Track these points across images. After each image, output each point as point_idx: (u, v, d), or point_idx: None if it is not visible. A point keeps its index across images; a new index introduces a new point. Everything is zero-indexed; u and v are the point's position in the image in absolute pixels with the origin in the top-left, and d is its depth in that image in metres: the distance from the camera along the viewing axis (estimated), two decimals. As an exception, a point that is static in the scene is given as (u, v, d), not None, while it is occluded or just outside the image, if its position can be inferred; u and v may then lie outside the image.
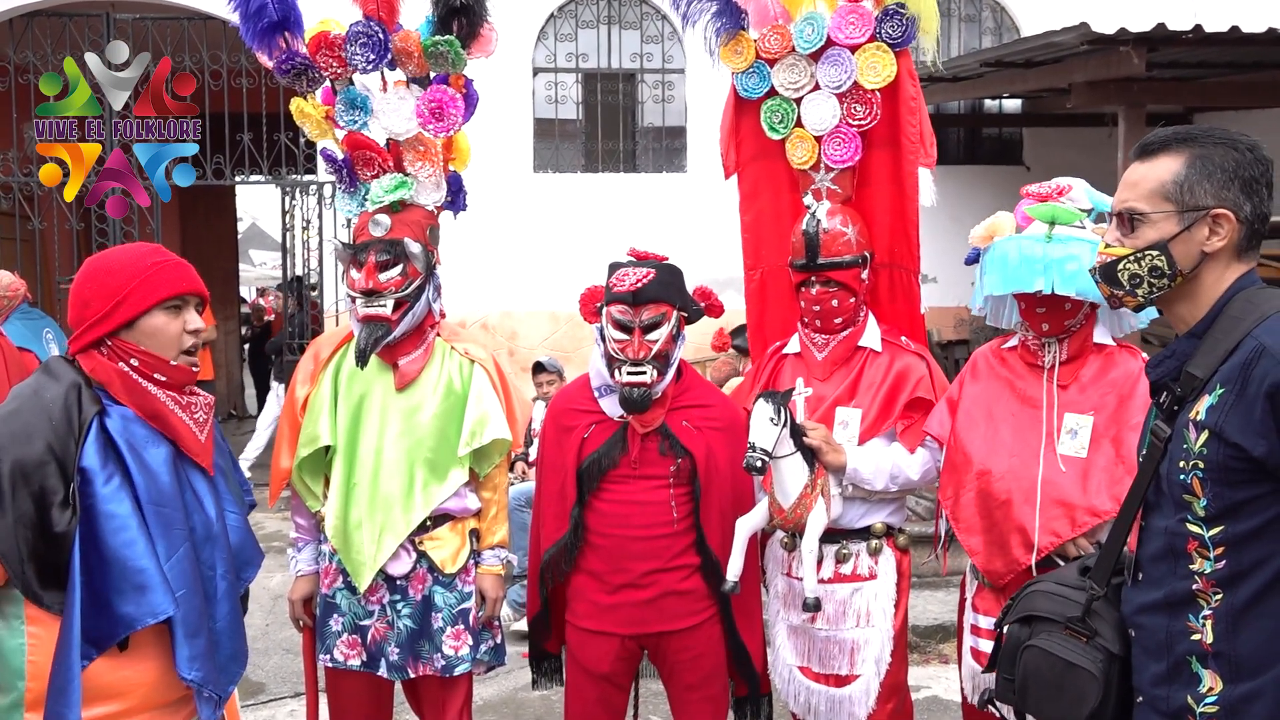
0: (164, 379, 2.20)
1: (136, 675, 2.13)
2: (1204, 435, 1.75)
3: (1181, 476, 1.78)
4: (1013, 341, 2.96)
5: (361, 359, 3.01)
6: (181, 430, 2.22)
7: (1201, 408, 1.77)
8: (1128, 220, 1.87)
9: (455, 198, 3.32)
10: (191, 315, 2.25)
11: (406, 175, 3.15)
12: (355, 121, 3.15)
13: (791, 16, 3.20)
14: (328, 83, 3.20)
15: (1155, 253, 1.83)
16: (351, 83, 3.17)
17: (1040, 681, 2.00)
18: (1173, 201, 1.82)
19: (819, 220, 3.09)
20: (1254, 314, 1.76)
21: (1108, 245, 1.90)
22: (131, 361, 2.17)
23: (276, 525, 7.64)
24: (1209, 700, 1.76)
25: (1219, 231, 1.80)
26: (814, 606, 2.89)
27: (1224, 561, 1.75)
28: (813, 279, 3.09)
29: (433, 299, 3.14)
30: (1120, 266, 1.87)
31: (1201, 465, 1.75)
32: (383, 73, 3.18)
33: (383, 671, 3.07)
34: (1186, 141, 1.84)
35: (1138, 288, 1.86)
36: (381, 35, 3.09)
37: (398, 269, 3.02)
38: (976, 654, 2.87)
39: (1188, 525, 1.78)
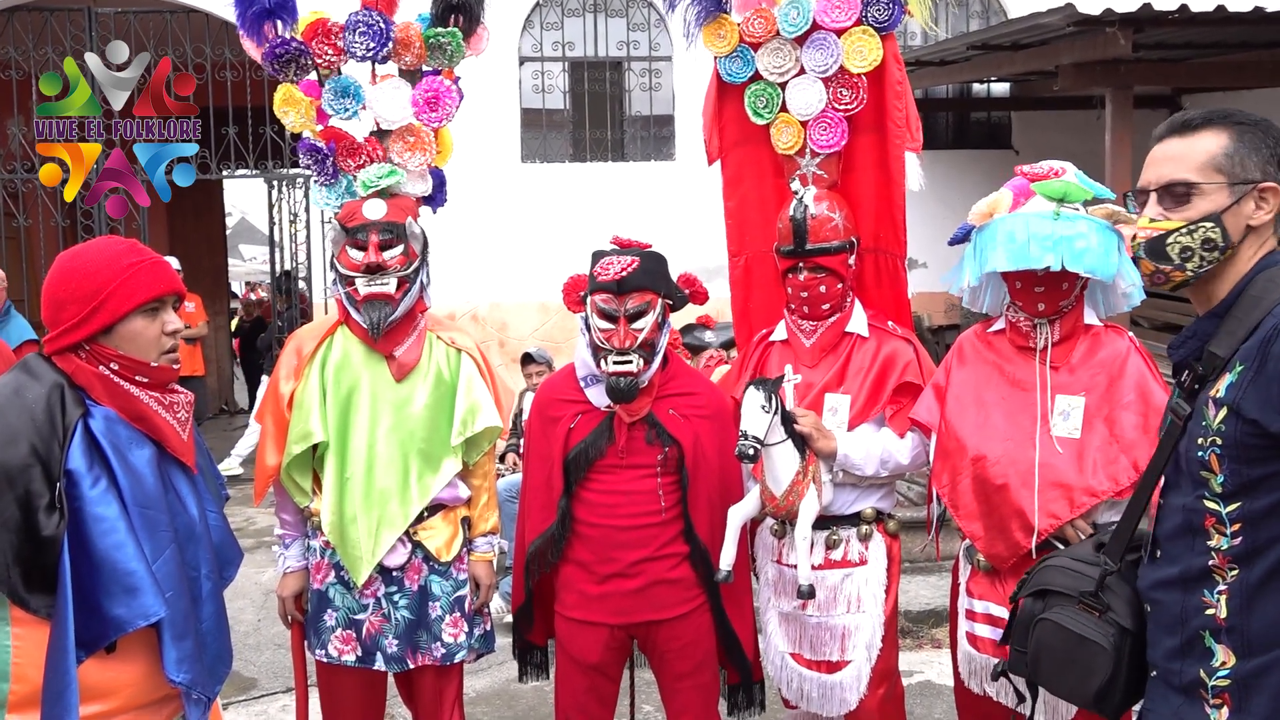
0: (145, 380, 2.17)
1: (123, 675, 2.12)
2: (1223, 412, 1.78)
3: (1200, 453, 1.81)
4: (997, 325, 2.94)
5: (375, 331, 3.01)
6: (166, 430, 2.20)
7: (1222, 385, 1.79)
8: (1179, 193, 1.86)
9: (436, 193, 3.34)
10: (169, 315, 2.21)
11: (394, 165, 3.17)
12: (346, 110, 3.15)
13: (776, 0, 3.18)
14: (311, 76, 3.20)
15: (1210, 224, 1.83)
16: (340, 73, 3.17)
17: (1052, 655, 2.05)
18: (1224, 174, 1.84)
19: (806, 206, 3.08)
20: (1275, 293, 1.78)
21: (1152, 220, 1.89)
22: (112, 365, 2.14)
23: (268, 520, 7.61)
24: (1221, 674, 1.79)
25: (1265, 205, 1.83)
26: (808, 594, 2.89)
27: (1240, 538, 1.77)
28: (801, 265, 3.08)
29: (425, 282, 3.16)
30: (1170, 240, 1.86)
31: (1219, 442, 1.77)
32: (372, 67, 3.19)
33: (379, 664, 3.06)
34: (1228, 119, 1.87)
35: (1188, 261, 1.85)
36: (383, 24, 3.11)
37: (399, 249, 3.04)
38: (971, 638, 2.86)
39: (1205, 502, 1.80)
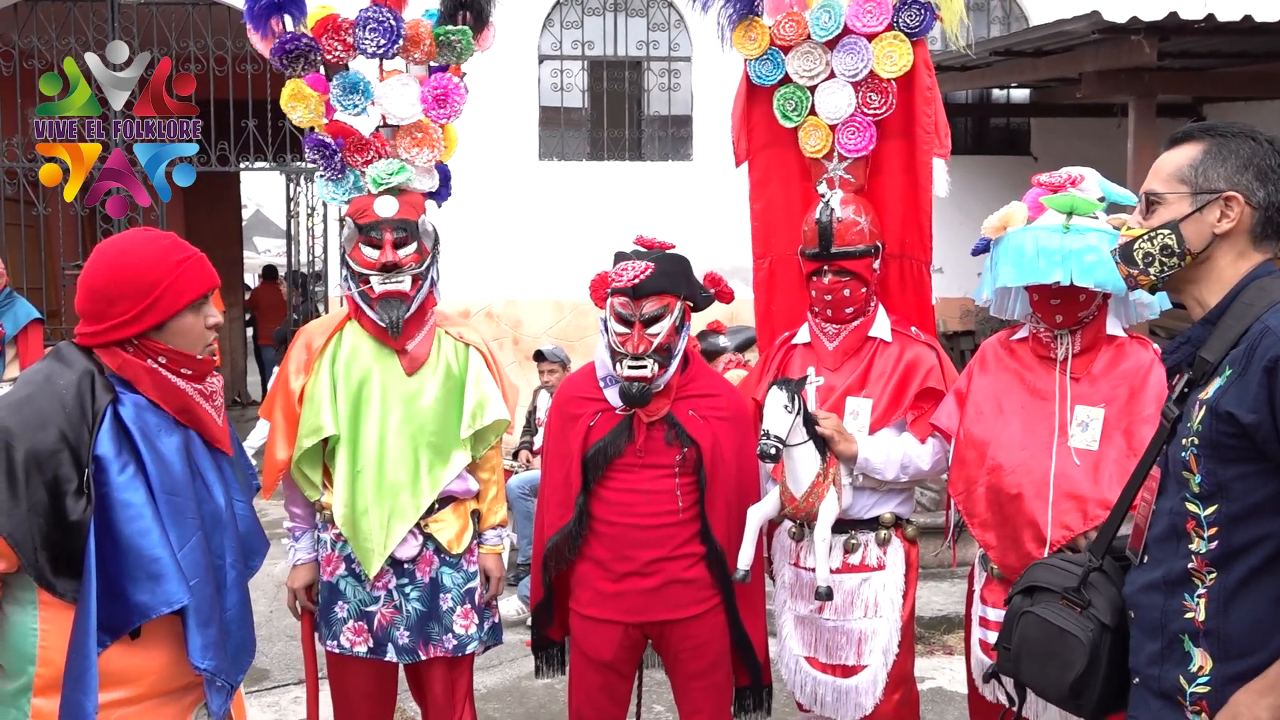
0: (190, 373, 2.20)
1: (146, 662, 2.12)
2: (1203, 412, 1.81)
3: (1183, 454, 1.84)
4: (1022, 333, 2.93)
5: (395, 330, 3.03)
6: (206, 420, 2.23)
7: (1211, 389, 1.82)
8: (1149, 202, 1.95)
9: (441, 188, 3.35)
10: (210, 309, 2.24)
11: (403, 161, 3.18)
12: (355, 106, 3.16)
13: (807, 3, 3.18)
14: (319, 69, 3.20)
15: (1166, 231, 1.91)
16: (348, 68, 3.18)
17: (1032, 648, 2.09)
18: (1187, 184, 1.91)
19: (833, 209, 3.08)
20: (1264, 300, 1.82)
21: (1128, 228, 1.99)
22: (160, 360, 2.16)
23: (280, 512, 7.63)
24: (1200, 680, 1.80)
25: (1229, 214, 1.87)
26: (826, 595, 2.88)
27: (1216, 542, 1.80)
28: (825, 268, 3.08)
29: (435, 278, 3.18)
30: (1135, 245, 1.95)
31: (1197, 441, 1.81)
32: (380, 63, 3.20)
33: (390, 655, 3.08)
34: (1208, 132, 1.94)
35: (1150, 266, 1.93)
36: (394, 21, 3.12)
37: (412, 247, 3.07)
38: (985, 646, 2.85)
39: (1187, 504, 1.84)
